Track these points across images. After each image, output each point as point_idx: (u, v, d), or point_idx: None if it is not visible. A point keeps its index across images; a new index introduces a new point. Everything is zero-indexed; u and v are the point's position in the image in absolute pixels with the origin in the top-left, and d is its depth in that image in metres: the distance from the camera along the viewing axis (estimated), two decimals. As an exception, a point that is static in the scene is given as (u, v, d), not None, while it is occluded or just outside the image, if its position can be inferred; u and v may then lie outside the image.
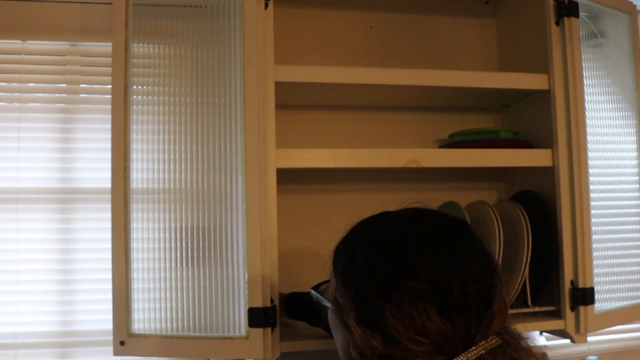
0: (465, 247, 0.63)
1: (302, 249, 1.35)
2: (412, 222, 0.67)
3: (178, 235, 1.03)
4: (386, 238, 0.66)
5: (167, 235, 1.03)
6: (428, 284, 0.59)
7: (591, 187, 1.17)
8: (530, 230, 1.17)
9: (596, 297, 1.16)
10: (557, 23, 1.20)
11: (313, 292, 0.77)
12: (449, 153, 1.17)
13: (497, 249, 1.16)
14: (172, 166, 1.03)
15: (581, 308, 1.14)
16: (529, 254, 1.15)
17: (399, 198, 1.39)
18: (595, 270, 1.16)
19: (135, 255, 1.02)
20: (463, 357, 0.56)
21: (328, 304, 0.70)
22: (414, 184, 1.41)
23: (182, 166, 1.03)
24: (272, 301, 1.01)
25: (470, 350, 0.57)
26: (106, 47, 1.31)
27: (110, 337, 1.01)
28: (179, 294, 1.02)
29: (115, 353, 1.01)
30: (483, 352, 0.57)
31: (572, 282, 1.15)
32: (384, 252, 0.63)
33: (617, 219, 1.23)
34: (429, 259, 0.61)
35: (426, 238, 0.64)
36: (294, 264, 1.33)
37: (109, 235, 1.02)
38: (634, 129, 1.29)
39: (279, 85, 1.10)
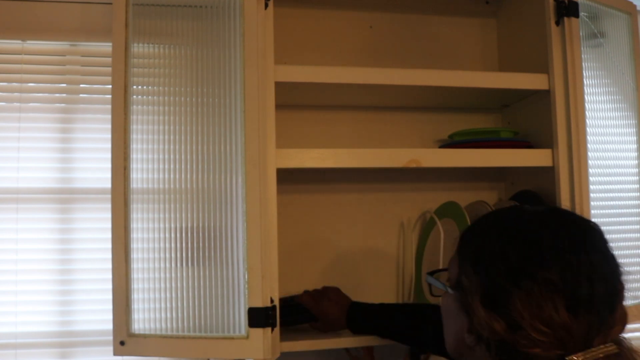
0: (598, 248, 0.64)
1: (302, 248, 1.35)
2: (548, 216, 0.68)
3: (178, 235, 1.03)
4: (522, 227, 0.66)
5: (167, 235, 1.03)
6: (559, 276, 0.59)
7: (591, 187, 1.17)
8: (530, 230, 1.16)
9: (596, 297, 1.15)
10: (557, 23, 1.20)
11: (429, 276, 0.79)
12: (449, 153, 1.17)
13: (497, 249, 1.16)
14: (172, 166, 1.03)
15: (581, 308, 1.14)
16: (529, 254, 1.15)
17: (399, 198, 1.40)
18: (595, 270, 1.16)
19: (135, 255, 1.02)
20: (581, 355, 0.56)
21: (446, 289, 0.71)
22: (414, 184, 1.41)
23: (182, 166, 1.03)
24: (272, 301, 1.01)
25: (589, 350, 0.57)
26: (106, 47, 1.31)
27: (110, 337, 1.01)
28: (179, 294, 1.02)
29: (115, 353, 1.01)
30: (601, 355, 0.57)
31: (572, 282, 1.15)
32: (519, 239, 0.64)
33: (617, 219, 1.23)
34: (562, 252, 0.61)
35: (561, 232, 0.64)
36: (294, 263, 1.33)
37: (109, 235, 1.02)
38: (634, 129, 1.29)
39: (279, 85, 1.09)
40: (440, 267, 1.21)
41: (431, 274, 0.81)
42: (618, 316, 0.61)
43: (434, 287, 0.80)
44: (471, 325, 0.64)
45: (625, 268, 1.28)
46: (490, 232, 0.68)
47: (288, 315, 1.13)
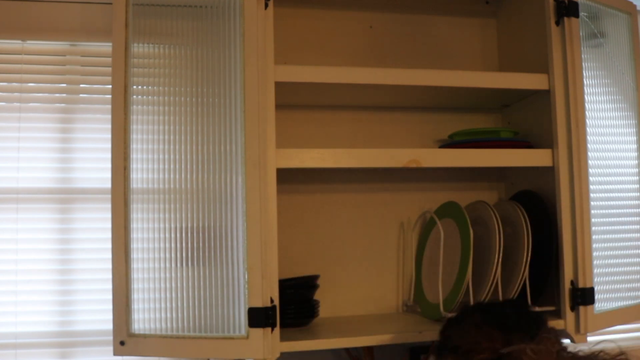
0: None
1: (302, 248, 1.35)
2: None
3: (178, 235, 1.03)
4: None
5: (167, 235, 1.03)
6: (481, 318, 0.81)
7: (591, 187, 1.17)
8: (530, 230, 1.17)
9: (596, 297, 1.16)
10: (557, 23, 1.20)
11: None
12: (449, 153, 1.17)
13: (497, 249, 1.16)
14: (172, 166, 1.03)
15: (581, 308, 1.14)
16: (529, 254, 1.15)
17: (399, 198, 1.40)
18: (595, 270, 1.16)
19: (135, 255, 1.02)
20: (508, 348, 0.74)
21: None
22: (414, 184, 1.41)
23: (182, 166, 1.03)
24: (272, 301, 1.01)
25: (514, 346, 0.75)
26: (106, 47, 1.31)
27: (110, 337, 1.01)
28: (179, 294, 1.02)
29: (115, 353, 1.01)
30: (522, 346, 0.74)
31: (572, 282, 1.15)
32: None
33: (617, 219, 1.23)
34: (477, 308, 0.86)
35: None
36: (294, 263, 1.33)
37: (109, 235, 1.02)
38: (634, 129, 1.29)
39: (279, 85, 1.09)
40: (440, 265, 1.21)
41: None
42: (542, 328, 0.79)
43: None
44: None
45: (626, 268, 1.30)
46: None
47: None
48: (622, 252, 1.23)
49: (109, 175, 1.03)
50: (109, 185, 1.02)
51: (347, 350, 1.29)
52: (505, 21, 1.46)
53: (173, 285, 1.02)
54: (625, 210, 1.25)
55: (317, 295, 1.33)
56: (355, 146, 1.37)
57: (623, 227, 1.24)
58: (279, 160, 1.08)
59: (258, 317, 0.99)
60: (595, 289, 1.16)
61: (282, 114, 1.14)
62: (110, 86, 1.04)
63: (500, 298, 1.19)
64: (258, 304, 0.99)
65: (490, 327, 0.78)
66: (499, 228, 1.17)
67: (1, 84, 1.29)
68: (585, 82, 1.20)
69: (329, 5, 1.41)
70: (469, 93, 1.28)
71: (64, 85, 1.31)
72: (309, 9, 1.40)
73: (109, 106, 1.04)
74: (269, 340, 1.00)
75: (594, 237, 1.17)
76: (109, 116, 1.03)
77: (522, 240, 1.17)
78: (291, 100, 1.29)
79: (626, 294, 1.23)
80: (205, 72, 1.05)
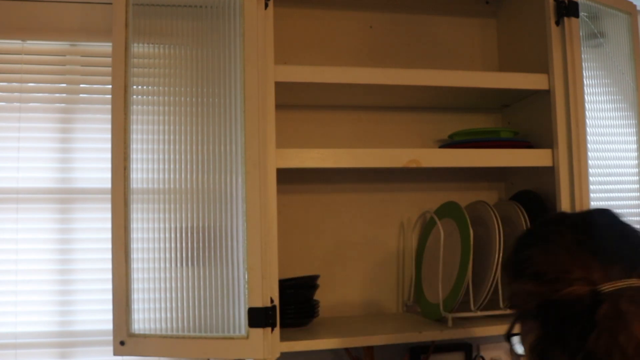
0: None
1: (302, 248, 1.35)
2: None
3: (178, 235, 1.03)
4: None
5: (167, 235, 1.03)
6: (571, 236, 0.66)
7: (591, 187, 1.17)
8: (530, 230, 1.16)
9: (596, 297, 1.15)
10: (557, 23, 1.20)
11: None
12: (449, 153, 1.17)
13: (497, 249, 1.16)
14: (172, 166, 1.03)
15: (581, 308, 1.14)
16: (529, 254, 1.15)
17: (399, 198, 1.40)
18: (595, 270, 1.16)
19: (135, 255, 1.02)
20: (608, 285, 0.60)
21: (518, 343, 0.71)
22: (414, 184, 1.41)
23: (182, 166, 1.03)
24: (272, 301, 1.01)
25: (614, 282, 0.60)
26: (106, 47, 1.31)
27: (110, 337, 1.01)
28: (179, 294, 1.02)
29: (115, 353, 1.01)
30: (624, 286, 0.60)
31: (572, 282, 1.15)
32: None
33: (617, 219, 1.23)
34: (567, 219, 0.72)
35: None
36: (294, 263, 1.33)
37: (109, 235, 1.02)
38: (634, 129, 1.29)
39: (279, 85, 1.09)
40: (440, 265, 1.21)
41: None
42: None
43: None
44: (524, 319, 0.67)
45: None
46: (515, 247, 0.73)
47: None
48: (622, 252, 1.23)
49: (109, 175, 1.03)
50: (109, 185, 1.02)
51: (347, 350, 1.29)
52: (505, 21, 1.46)
53: (173, 285, 1.02)
54: (625, 211, 1.25)
55: (317, 295, 1.33)
56: (355, 146, 1.37)
57: (623, 227, 1.24)
58: (279, 160, 1.08)
59: (258, 317, 0.99)
60: (595, 289, 1.15)
61: (282, 114, 1.14)
62: (110, 86, 1.04)
63: (500, 298, 1.19)
64: (258, 304, 0.99)
65: (585, 252, 0.63)
66: (499, 228, 1.17)
67: (1, 84, 1.29)
68: (585, 82, 1.20)
69: (329, 5, 1.41)
70: (469, 93, 1.28)
71: (64, 85, 1.31)
72: (309, 9, 1.40)
73: (109, 106, 1.04)
74: (269, 340, 0.99)
75: (594, 237, 1.17)
76: (109, 116, 1.03)
77: (522, 240, 1.17)
78: (291, 100, 1.29)
79: None
80: (205, 72, 1.05)
